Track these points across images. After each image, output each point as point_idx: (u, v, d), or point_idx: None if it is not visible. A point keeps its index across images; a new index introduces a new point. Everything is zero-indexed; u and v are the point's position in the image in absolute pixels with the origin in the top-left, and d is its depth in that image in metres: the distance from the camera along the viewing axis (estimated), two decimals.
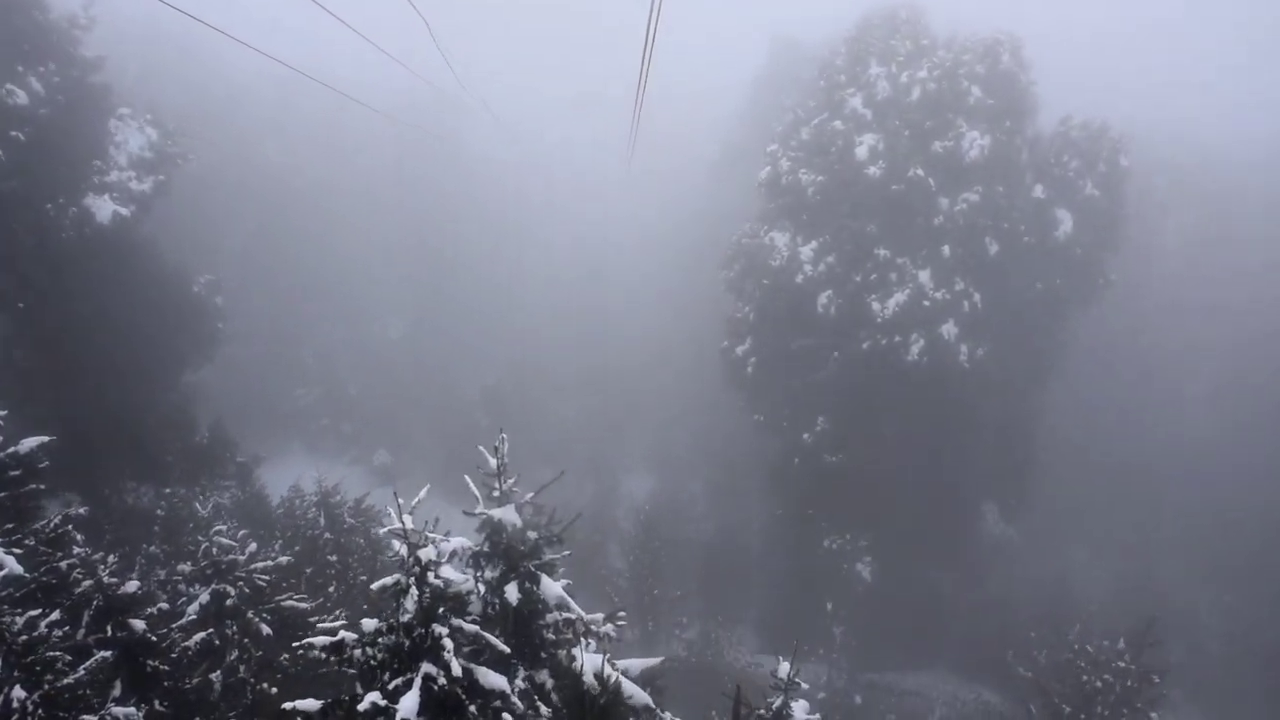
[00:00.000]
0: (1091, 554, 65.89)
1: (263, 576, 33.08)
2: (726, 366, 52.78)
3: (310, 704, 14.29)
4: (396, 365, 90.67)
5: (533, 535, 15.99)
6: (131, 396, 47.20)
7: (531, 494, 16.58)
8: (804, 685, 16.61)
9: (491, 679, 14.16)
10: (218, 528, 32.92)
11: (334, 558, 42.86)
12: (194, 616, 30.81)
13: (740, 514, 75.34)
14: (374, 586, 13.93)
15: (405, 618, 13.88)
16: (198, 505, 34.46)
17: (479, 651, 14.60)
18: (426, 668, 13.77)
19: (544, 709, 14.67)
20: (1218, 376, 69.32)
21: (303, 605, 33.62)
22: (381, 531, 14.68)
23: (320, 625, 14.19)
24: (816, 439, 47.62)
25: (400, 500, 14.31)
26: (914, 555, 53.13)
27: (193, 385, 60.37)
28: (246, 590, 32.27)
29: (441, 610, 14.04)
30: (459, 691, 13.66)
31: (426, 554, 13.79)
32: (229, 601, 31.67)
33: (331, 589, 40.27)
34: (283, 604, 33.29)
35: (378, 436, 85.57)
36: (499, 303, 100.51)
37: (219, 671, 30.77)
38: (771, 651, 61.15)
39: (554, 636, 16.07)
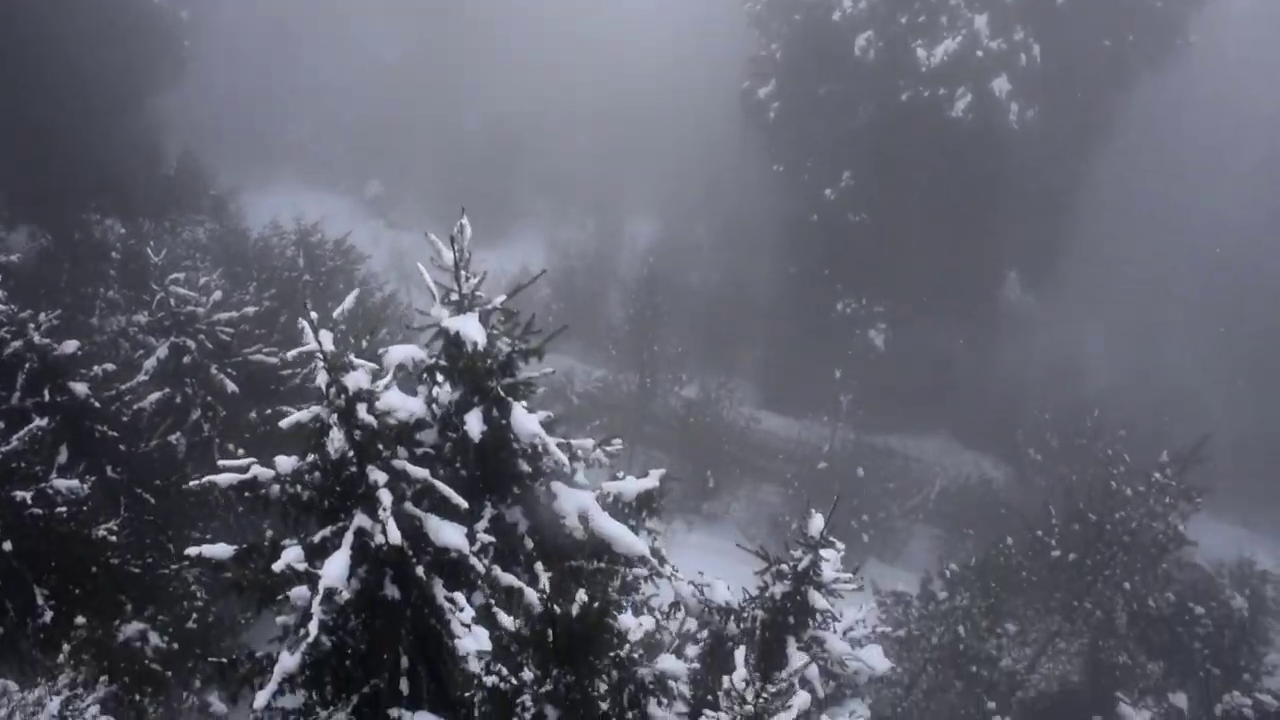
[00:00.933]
0: (1109, 332, 63.30)
1: (227, 329, 30.16)
2: (746, 110, 47.63)
3: (222, 550, 11.46)
4: (394, 91, 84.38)
5: (504, 347, 12.53)
6: (88, 121, 42.67)
7: (502, 297, 12.98)
8: (839, 544, 13.68)
9: (445, 534, 11.15)
10: (174, 276, 29.69)
11: (311, 304, 40.02)
12: (147, 376, 28.13)
13: (749, 267, 72.14)
14: (284, 423, 10.61)
15: (334, 457, 10.74)
16: (150, 250, 30.89)
17: (430, 490, 11.53)
18: (360, 520, 10.75)
19: (508, 576, 11.71)
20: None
21: (272, 360, 30.91)
22: (290, 354, 10.86)
23: (223, 463, 11.03)
24: (840, 195, 43.39)
25: (314, 315, 10.69)
26: (928, 321, 50.50)
27: (161, 113, 55.49)
28: (209, 344, 29.41)
29: (380, 448, 10.87)
30: (403, 546, 10.68)
31: (355, 381, 10.38)
32: (188, 358, 28.90)
33: None
34: (250, 358, 30.61)
35: (371, 167, 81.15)
36: (507, 29, 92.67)
37: (180, 433, 28.49)
38: (773, 409, 59.72)
39: (529, 467, 13.02)
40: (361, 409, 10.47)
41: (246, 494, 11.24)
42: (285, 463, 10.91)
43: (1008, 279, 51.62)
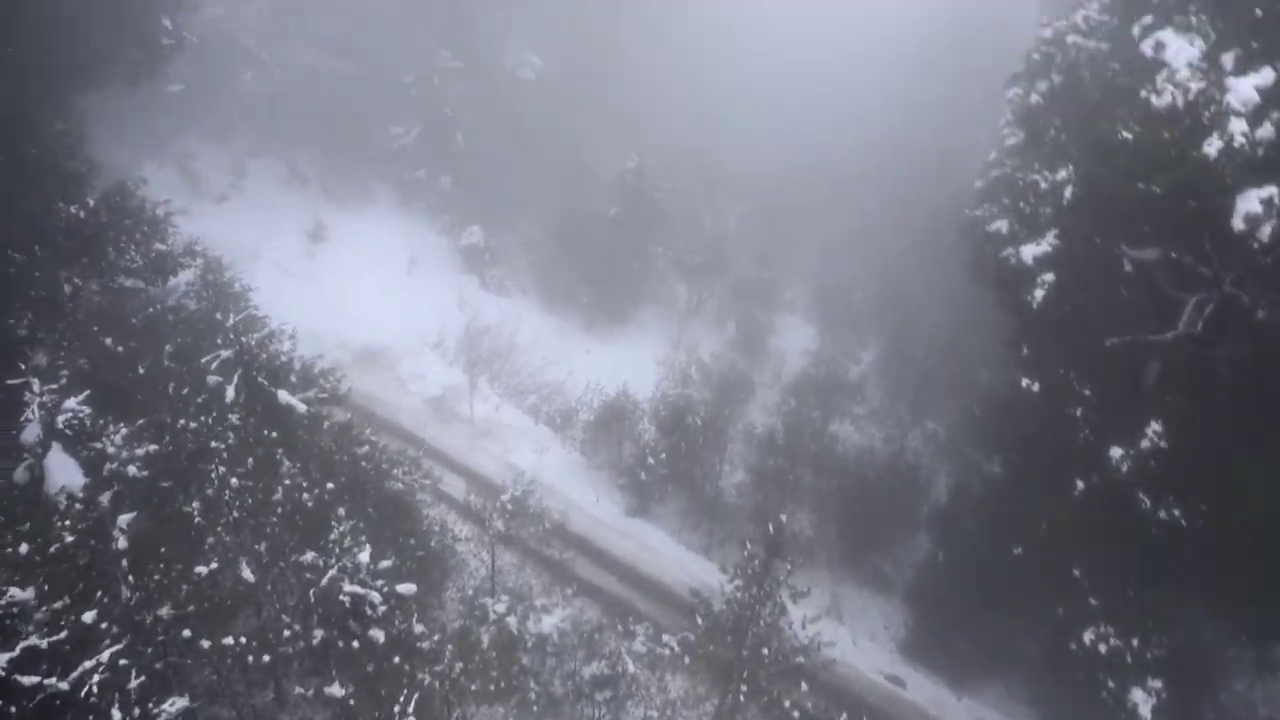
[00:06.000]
0: None
1: None
2: (990, 268, 28.71)
3: None
4: (522, 116, 69.15)
5: None
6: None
7: None
8: None
9: None
10: None
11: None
12: None
13: (934, 447, 53.68)
14: None
15: None
16: None
17: None
18: None
19: None
20: None
21: None
22: None
23: None
24: (1137, 464, 24.20)
25: None
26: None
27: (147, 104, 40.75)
28: None
29: None
30: None
31: None
32: None
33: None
34: None
35: (477, 206, 65.50)
36: (667, 63, 76.51)
37: None
38: (923, 664, 41.21)
39: None
40: None
41: None
42: None
43: None
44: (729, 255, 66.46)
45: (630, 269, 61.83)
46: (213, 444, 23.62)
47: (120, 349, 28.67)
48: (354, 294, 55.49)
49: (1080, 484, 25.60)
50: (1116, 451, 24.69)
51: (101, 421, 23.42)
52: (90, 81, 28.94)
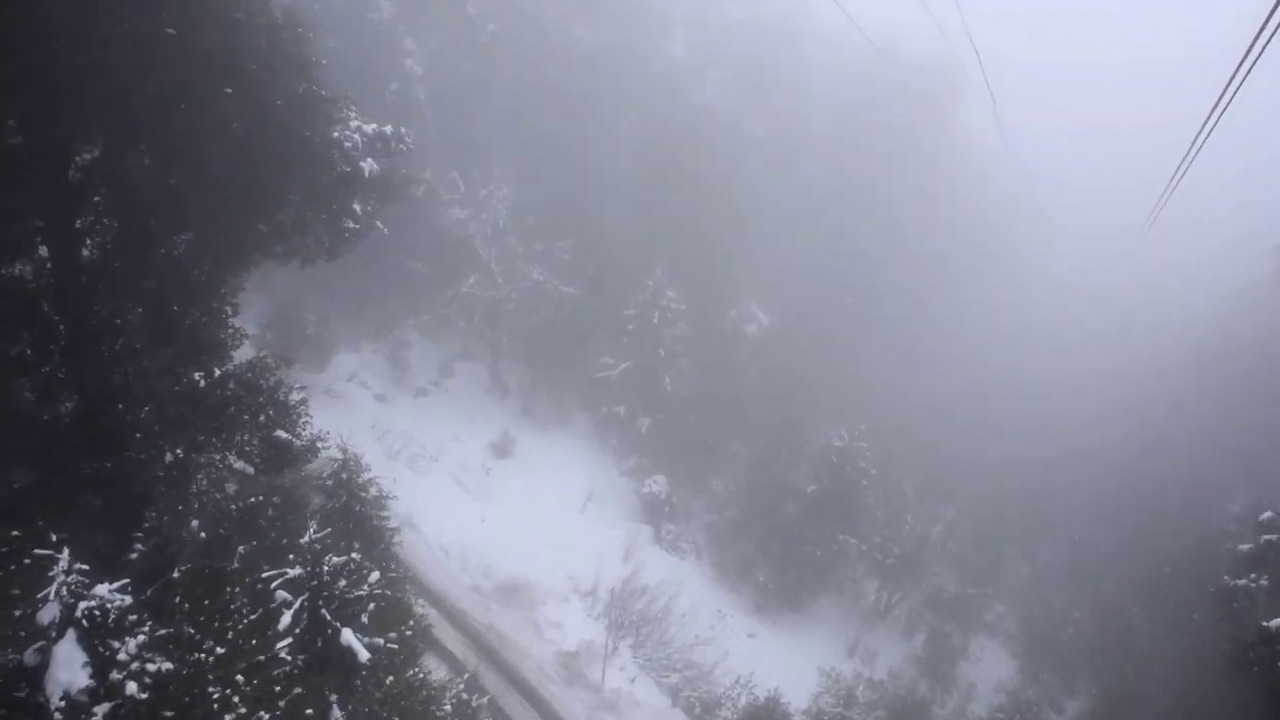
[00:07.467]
0: None
1: None
2: (1260, 669, 21.37)
3: None
4: (736, 370, 66.03)
5: None
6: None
7: None
8: None
9: None
10: None
11: None
12: None
13: None
14: None
15: None
16: None
17: None
18: None
19: None
20: None
21: None
22: None
23: None
24: None
25: None
26: None
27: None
28: None
29: None
30: None
31: None
32: None
33: None
34: None
35: (669, 453, 61.64)
36: (900, 338, 72.62)
37: None
38: None
39: None
40: None
41: None
42: None
43: None
44: (928, 561, 59.23)
45: (816, 554, 55.66)
46: (236, 677, 19.28)
47: (204, 535, 25.57)
48: (517, 519, 52.13)
49: None
50: None
51: (131, 619, 19.49)
52: (268, 253, 27.19)
